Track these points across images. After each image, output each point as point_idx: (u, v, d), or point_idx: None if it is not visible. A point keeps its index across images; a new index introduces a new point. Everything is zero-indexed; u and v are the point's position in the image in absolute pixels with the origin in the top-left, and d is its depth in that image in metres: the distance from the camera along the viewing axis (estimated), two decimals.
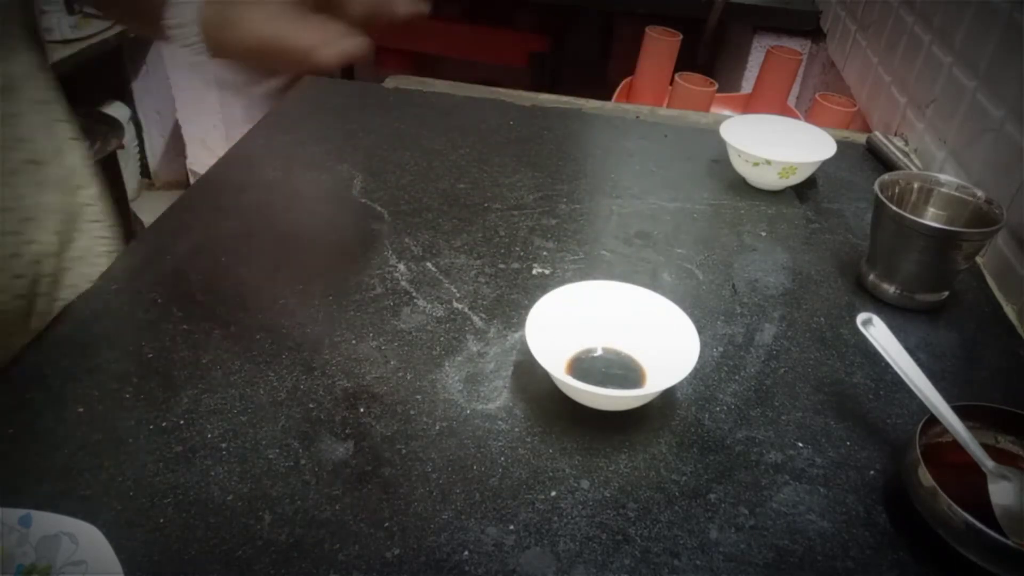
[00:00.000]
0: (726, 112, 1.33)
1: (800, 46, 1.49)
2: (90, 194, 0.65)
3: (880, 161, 0.92)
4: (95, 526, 0.42)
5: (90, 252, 0.65)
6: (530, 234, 0.73)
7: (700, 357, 0.52)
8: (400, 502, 0.47)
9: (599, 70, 2.23)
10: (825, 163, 0.81)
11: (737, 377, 0.58)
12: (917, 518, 0.46)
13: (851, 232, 0.78)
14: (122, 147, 1.83)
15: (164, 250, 0.67)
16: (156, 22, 0.48)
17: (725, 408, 0.55)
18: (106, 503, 0.45)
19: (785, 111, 1.34)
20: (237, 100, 1.47)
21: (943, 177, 0.68)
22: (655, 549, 0.45)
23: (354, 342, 0.59)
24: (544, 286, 0.63)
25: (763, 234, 0.77)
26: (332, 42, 0.46)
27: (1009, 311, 0.69)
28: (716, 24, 1.52)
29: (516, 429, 0.52)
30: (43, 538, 0.41)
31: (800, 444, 0.53)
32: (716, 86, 1.25)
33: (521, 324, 0.59)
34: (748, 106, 1.37)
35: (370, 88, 1.01)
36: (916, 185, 0.69)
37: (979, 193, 0.66)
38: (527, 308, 0.55)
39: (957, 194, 0.67)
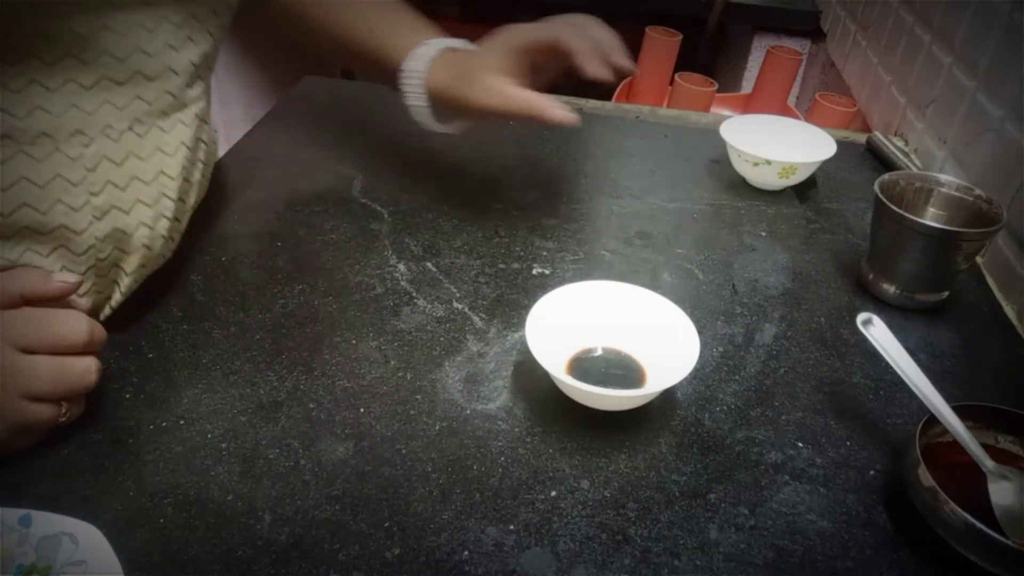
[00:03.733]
0: (726, 112, 1.33)
1: (800, 46, 1.49)
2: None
3: (880, 161, 0.92)
4: (95, 526, 0.42)
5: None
6: (530, 234, 0.73)
7: (700, 357, 0.52)
8: (400, 502, 0.47)
9: None
10: (825, 163, 0.81)
11: (737, 377, 0.58)
12: (917, 518, 0.46)
13: (851, 232, 0.78)
14: None
15: None
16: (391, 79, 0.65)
17: (725, 408, 0.55)
18: (106, 503, 0.45)
19: (785, 111, 1.34)
20: (238, 101, 1.47)
21: (943, 177, 0.68)
22: (655, 549, 0.45)
23: (354, 342, 0.59)
24: (544, 286, 0.63)
25: (763, 234, 0.77)
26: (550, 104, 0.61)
27: (1009, 311, 0.69)
28: (716, 24, 1.52)
29: (516, 429, 0.52)
30: (43, 538, 0.41)
31: (800, 444, 0.53)
32: (716, 86, 1.25)
33: (521, 324, 0.59)
34: (748, 106, 1.37)
35: (370, 88, 1.01)
36: (916, 185, 0.69)
37: (979, 193, 0.66)
38: (527, 308, 0.55)
39: (957, 194, 0.67)
